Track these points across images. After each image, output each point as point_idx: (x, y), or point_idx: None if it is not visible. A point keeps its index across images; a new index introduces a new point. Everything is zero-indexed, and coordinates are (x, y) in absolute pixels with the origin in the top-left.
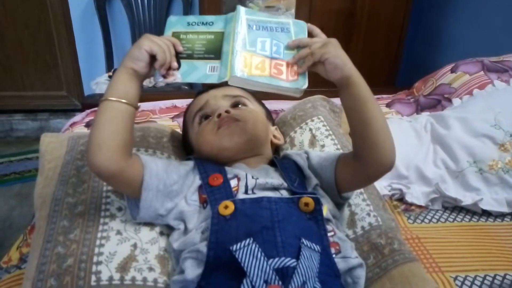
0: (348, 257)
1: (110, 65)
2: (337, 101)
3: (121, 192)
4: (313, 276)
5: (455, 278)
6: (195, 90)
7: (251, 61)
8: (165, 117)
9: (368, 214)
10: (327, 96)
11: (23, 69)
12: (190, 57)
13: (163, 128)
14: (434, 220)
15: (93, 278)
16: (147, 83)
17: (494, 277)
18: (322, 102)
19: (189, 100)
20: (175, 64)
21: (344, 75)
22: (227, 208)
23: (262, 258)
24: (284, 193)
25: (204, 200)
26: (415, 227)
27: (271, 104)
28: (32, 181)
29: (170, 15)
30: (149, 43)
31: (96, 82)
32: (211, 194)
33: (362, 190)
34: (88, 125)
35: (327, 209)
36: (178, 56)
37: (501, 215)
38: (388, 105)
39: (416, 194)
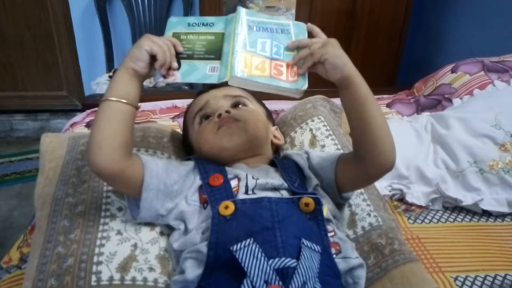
0: (348, 257)
1: (110, 65)
2: (337, 101)
3: (121, 192)
4: (314, 276)
5: (456, 278)
6: (195, 90)
7: (251, 62)
8: (165, 117)
9: (369, 214)
10: (327, 96)
11: (24, 69)
12: (190, 57)
13: (164, 128)
14: (434, 220)
15: (94, 278)
16: (147, 83)
17: (494, 277)
18: (322, 102)
19: (189, 100)
20: (175, 64)
21: (344, 75)
22: (227, 208)
23: (263, 258)
24: (285, 194)
25: (204, 200)
26: (416, 227)
27: (271, 104)
28: (33, 181)
29: (170, 16)
30: (149, 43)
31: (96, 82)
32: (212, 194)
33: (362, 190)
34: (88, 125)
35: (327, 209)
36: (178, 56)
37: (502, 215)
38: (389, 105)
39: (417, 194)
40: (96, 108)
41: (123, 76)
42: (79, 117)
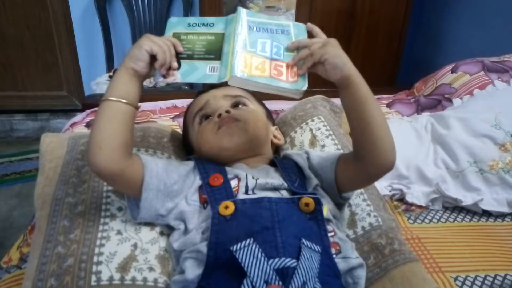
0: (348, 257)
1: (110, 65)
2: (337, 101)
3: (121, 192)
4: (314, 276)
5: (456, 278)
6: (195, 90)
7: (251, 62)
8: (165, 117)
9: (369, 214)
10: (327, 96)
11: (24, 69)
12: (190, 57)
13: (164, 128)
14: (434, 220)
15: (93, 278)
16: (147, 83)
17: (494, 277)
18: (322, 102)
19: (189, 100)
20: (175, 64)
21: (343, 75)
22: (227, 208)
23: (263, 258)
24: (285, 194)
25: (204, 200)
26: (416, 227)
27: (271, 104)
28: (33, 181)
29: (170, 16)
30: (149, 43)
31: (96, 82)
32: (212, 194)
33: (362, 190)
34: (88, 125)
35: (327, 209)
36: (179, 56)
37: (502, 215)
38: (389, 105)
39: (417, 194)
40: (96, 108)
41: (123, 76)
42: (79, 117)
